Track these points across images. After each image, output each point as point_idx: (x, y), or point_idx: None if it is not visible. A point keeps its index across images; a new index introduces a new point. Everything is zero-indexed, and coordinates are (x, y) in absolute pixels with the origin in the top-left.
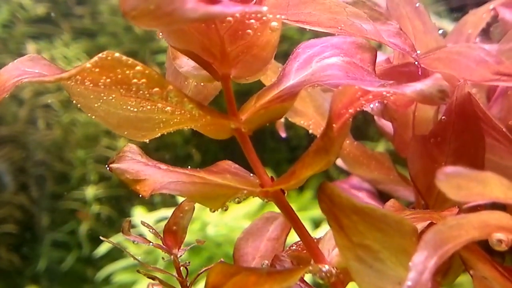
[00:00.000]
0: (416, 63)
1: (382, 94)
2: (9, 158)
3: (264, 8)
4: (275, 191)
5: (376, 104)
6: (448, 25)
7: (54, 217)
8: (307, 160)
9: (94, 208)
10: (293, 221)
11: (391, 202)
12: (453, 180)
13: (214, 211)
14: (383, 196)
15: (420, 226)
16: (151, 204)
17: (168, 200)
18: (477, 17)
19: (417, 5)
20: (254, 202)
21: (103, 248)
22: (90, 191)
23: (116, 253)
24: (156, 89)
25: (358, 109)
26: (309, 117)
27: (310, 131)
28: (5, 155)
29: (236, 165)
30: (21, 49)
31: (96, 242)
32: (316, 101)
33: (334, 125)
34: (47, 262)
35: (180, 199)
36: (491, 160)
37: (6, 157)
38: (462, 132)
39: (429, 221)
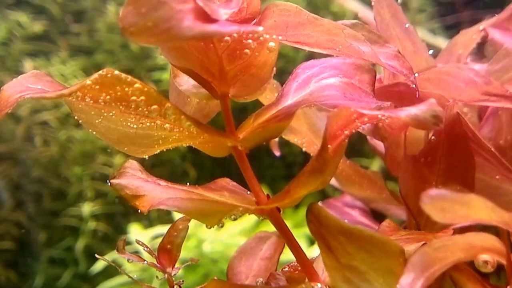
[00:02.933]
0: (414, 86)
1: (377, 117)
2: (6, 175)
3: (260, 28)
4: (271, 209)
5: (367, 124)
6: (442, 42)
7: (50, 234)
8: (302, 180)
9: (91, 224)
10: (288, 239)
11: (386, 222)
12: (438, 203)
13: (210, 228)
14: (376, 214)
15: (413, 246)
16: (147, 221)
17: (164, 217)
18: (468, 38)
19: (406, 25)
20: (250, 219)
21: (100, 264)
22: (87, 208)
23: (113, 270)
24: (155, 106)
25: (353, 130)
26: (302, 135)
27: (304, 149)
28: (2, 172)
29: (234, 183)
30: (19, 67)
31: (92, 258)
32: (309, 119)
33: (329, 146)
34: (44, 279)
35: (176, 216)
36: (481, 180)
37: (3, 174)
38: (452, 152)
39: (423, 242)
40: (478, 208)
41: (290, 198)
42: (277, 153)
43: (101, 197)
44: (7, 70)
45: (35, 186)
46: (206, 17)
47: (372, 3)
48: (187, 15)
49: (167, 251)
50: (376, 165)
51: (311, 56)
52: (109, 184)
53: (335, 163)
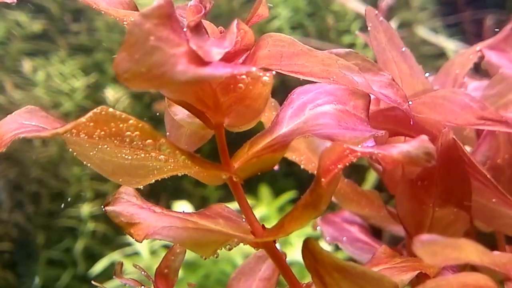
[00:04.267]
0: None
1: (370, 152)
2: (5, 176)
3: (253, 69)
4: (266, 241)
5: None
6: (444, 41)
7: (49, 235)
8: (296, 214)
9: (90, 225)
10: (282, 269)
11: (382, 249)
12: (429, 247)
13: (205, 259)
14: (374, 230)
15: (409, 275)
16: None
17: None
18: (464, 58)
19: (403, 49)
20: None
21: (99, 266)
22: (86, 209)
23: (112, 272)
24: (149, 140)
25: (346, 164)
26: (300, 152)
27: (302, 166)
28: (1, 172)
29: (229, 209)
30: (17, 66)
31: (91, 260)
32: (308, 138)
33: (323, 179)
34: (42, 280)
35: None
36: (478, 202)
37: (1, 175)
38: (448, 176)
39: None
40: (469, 252)
41: (284, 232)
42: (275, 167)
43: (100, 198)
44: (6, 70)
45: (34, 186)
46: (199, 59)
47: (369, 28)
48: (180, 59)
49: (164, 276)
50: None
51: None
52: (103, 210)
53: (329, 195)
